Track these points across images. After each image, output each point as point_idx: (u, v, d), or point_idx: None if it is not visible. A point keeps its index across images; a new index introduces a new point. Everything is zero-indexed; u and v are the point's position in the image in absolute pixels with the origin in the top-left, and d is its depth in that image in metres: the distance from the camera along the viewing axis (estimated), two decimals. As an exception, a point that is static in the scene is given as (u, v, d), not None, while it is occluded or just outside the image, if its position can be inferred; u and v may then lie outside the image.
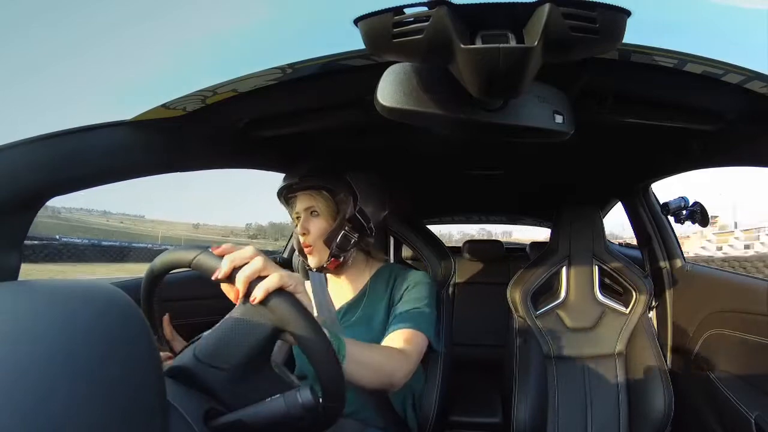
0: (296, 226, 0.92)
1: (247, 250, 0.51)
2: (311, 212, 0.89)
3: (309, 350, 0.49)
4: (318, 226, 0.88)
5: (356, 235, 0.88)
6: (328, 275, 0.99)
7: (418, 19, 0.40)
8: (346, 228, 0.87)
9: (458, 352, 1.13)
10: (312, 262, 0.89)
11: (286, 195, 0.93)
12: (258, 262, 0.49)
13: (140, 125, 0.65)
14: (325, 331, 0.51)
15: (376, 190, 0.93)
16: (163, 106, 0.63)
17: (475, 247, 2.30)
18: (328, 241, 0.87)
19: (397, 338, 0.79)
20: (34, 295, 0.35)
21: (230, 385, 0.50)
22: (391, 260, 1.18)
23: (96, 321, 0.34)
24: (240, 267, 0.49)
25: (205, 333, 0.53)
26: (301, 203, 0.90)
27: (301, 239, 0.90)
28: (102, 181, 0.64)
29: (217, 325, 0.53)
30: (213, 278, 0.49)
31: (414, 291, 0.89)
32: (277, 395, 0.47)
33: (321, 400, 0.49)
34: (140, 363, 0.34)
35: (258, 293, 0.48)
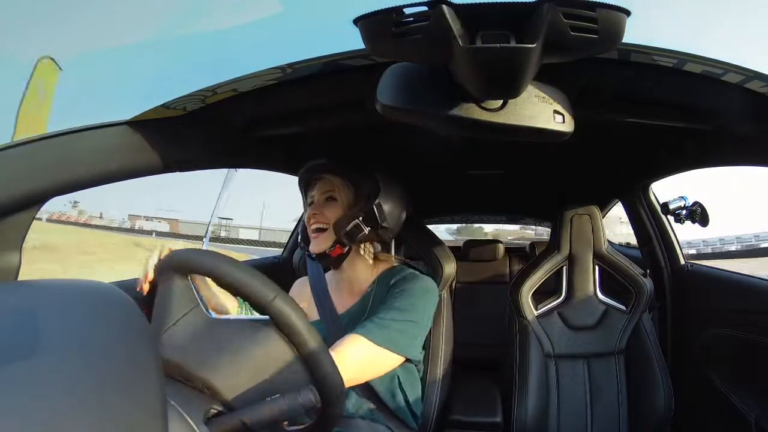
0: (306, 211, 0.91)
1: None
2: (328, 197, 0.89)
3: (224, 283, 0.51)
4: (332, 210, 0.87)
5: (368, 229, 0.86)
6: (330, 276, 0.96)
7: (417, 18, 0.40)
8: (360, 218, 0.85)
9: (458, 352, 1.13)
10: (316, 246, 0.88)
11: (310, 177, 0.91)
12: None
13: (140, 125, 0.64)
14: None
15: (398, 191, 0.91)
16: (163, 105, 0.63)
17: (475, 247, 2.30)
18: (337, 225, 0.85)
19: (342, 343, 0.74)
20: (34, 295, 0.35)
21: (170, 342, 0.51)
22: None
23: (96, 321, 0.34)
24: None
25: None
26: (322, 186, 0.89)
27: (311, 222, 0.88)
28: (102, 182, 0.64)
29: None
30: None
31: (398, 298, 0.84)
32: (277, 395, 0.47)
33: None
34: (140, 363, 0.34)
35: None
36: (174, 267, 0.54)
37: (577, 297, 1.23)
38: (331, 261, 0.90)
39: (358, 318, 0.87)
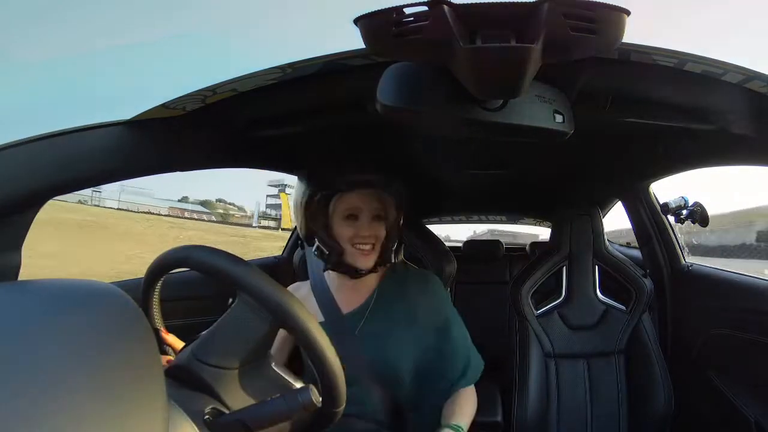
0: (334, 224, 0.84)
1: None
2: (376, 216, 0.85)
3: (308, 345, 0.50)
4: (380, 229, 0.85)
5: (398, 241, 0.89)
6: (331, 277, 0.94)
7: (417, 18, 0.40)
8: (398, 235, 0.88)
9: (458, 351, 1.13)
10: (366, 263, 0.84)
11: (350, 189, 0.84)
12: None
13: (139, 125, 0.64)
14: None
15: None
16: (163, 105, 0.63)
17: (475, 247, 2.30)
18: (386, 246, 0.86)
19: (463, 392, 0.93)
20: (34, 295, 0.35)
21: (230, 384, 0.50)
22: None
23: (96, 321, 0.34)
24: None
25: (203, 332, 0.54)
26: (372, 203, 0.84)
27: (363, 243, 0.84)
28: (101, 181, 0.64)
29: (215, 323, 0.53)
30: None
31: (439, 314, 0.92)
32: (277, 395, 0.47)
33: (321, 401, 0.49)
34: (140, 363, 0.34)
35: None
36: (276, 315, 0.50)
37: (577, 297, 1.23)
38: (363, 275, 0.87)
39: (361, 316, 0.88)
